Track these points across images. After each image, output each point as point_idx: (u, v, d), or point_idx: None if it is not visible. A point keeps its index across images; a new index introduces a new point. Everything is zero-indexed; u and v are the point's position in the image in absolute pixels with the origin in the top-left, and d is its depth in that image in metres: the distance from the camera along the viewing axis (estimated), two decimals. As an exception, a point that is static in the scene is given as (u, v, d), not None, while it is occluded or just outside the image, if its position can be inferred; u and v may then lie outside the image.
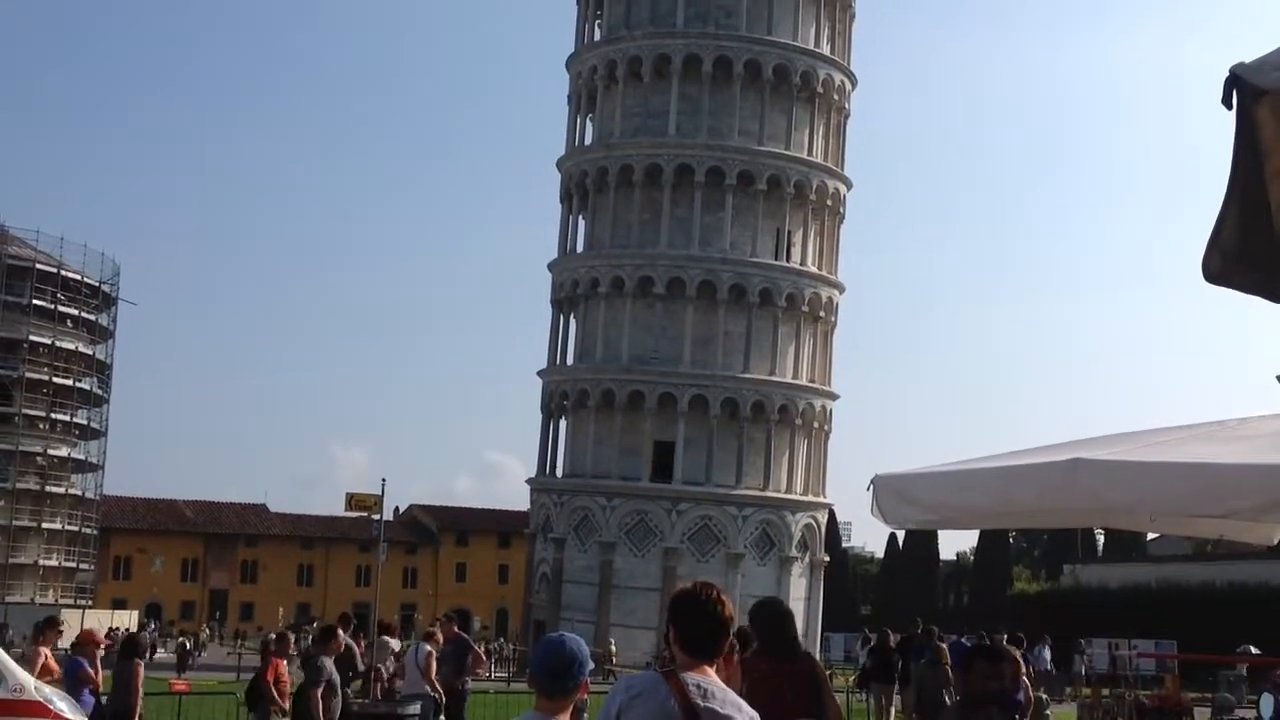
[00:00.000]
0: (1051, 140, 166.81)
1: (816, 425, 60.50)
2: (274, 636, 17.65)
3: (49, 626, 15.22)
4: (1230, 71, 2.73)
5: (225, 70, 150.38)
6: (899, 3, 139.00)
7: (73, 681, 14.04)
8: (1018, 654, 13.20)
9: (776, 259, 59.13)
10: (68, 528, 68.12)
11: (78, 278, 67.41)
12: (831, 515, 69.05)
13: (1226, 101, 2.78)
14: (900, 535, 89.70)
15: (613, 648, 47.02)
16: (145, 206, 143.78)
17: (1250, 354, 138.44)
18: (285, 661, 16.25)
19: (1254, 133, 2.68)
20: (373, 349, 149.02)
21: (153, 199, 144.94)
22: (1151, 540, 73.10)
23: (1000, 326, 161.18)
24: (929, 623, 25.80)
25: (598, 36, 62.46)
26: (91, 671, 14.31)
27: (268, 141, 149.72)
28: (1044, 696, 23.03)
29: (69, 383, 67.30)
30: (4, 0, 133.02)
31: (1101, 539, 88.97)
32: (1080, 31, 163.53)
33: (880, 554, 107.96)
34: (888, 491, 7.36)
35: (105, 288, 69.45)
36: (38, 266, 65.54)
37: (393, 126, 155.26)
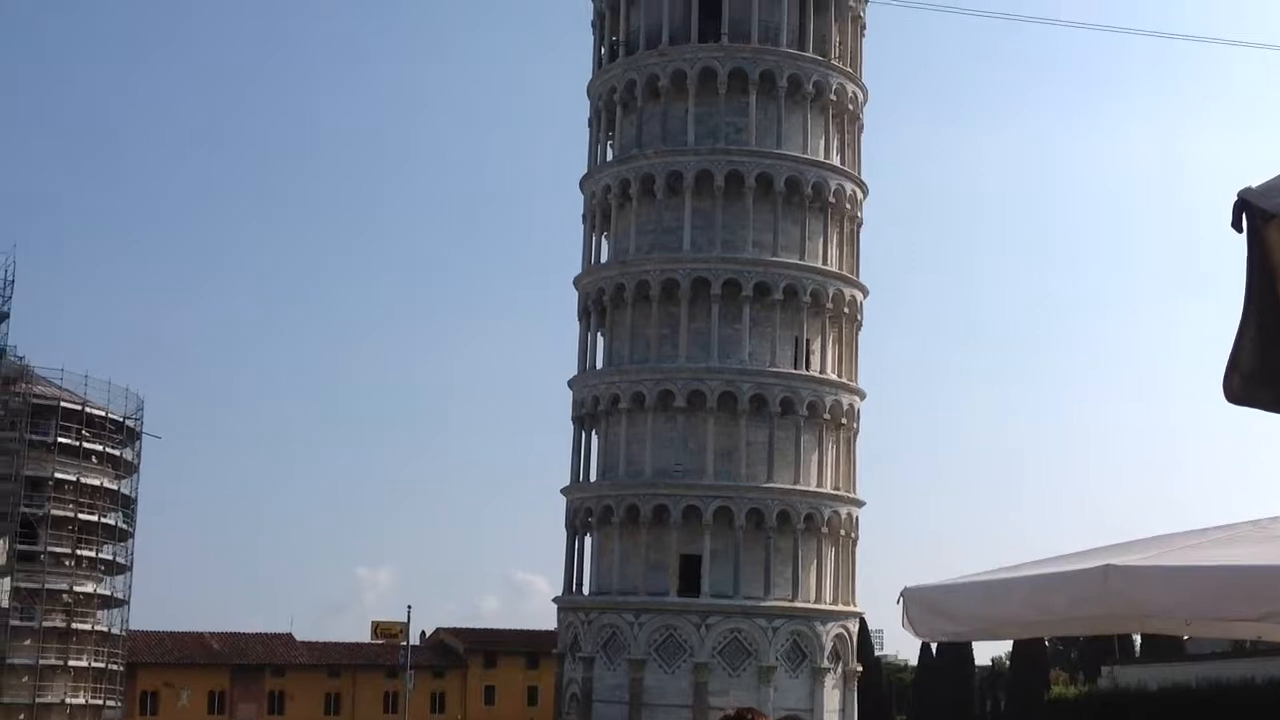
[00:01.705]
0: (1060, 238, 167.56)
1: (843, 533, 60.10)
2: None
3: None
4: (1238, 196, 2.75)
5: (240, 201, 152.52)
6: (903, 112, 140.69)
7: None
8: None
9: (796, 368, 59.23)
10: (94, 665, 67.66)
11: (102, 414, 67.79)
12: (863, 624, 68.28)
13: (1236, 225, 2.80)
14: (934, 643, 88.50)
15: None
16: (167, 341, 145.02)
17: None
18: None
19: (1265, 254, 2.69)
20: (395, 471, 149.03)
21: (174, 333, 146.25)
22: (1189, 638, 71.99)
23: (1022, 428, 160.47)
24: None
25: (610, 156, 63.30)
26: None
27: (287, 268, 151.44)
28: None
29: (94, 518, 67.36)
30: (21, 142, 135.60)
31: (1139, 639, 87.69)
32: (1083, 125, 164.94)
33: (914, 661, 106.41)
34: (918, 604, 7.31)
35: (129, 422, 69.74)
36: (62, 404, 65.97)
37: (410, 247, 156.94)
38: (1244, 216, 2.78)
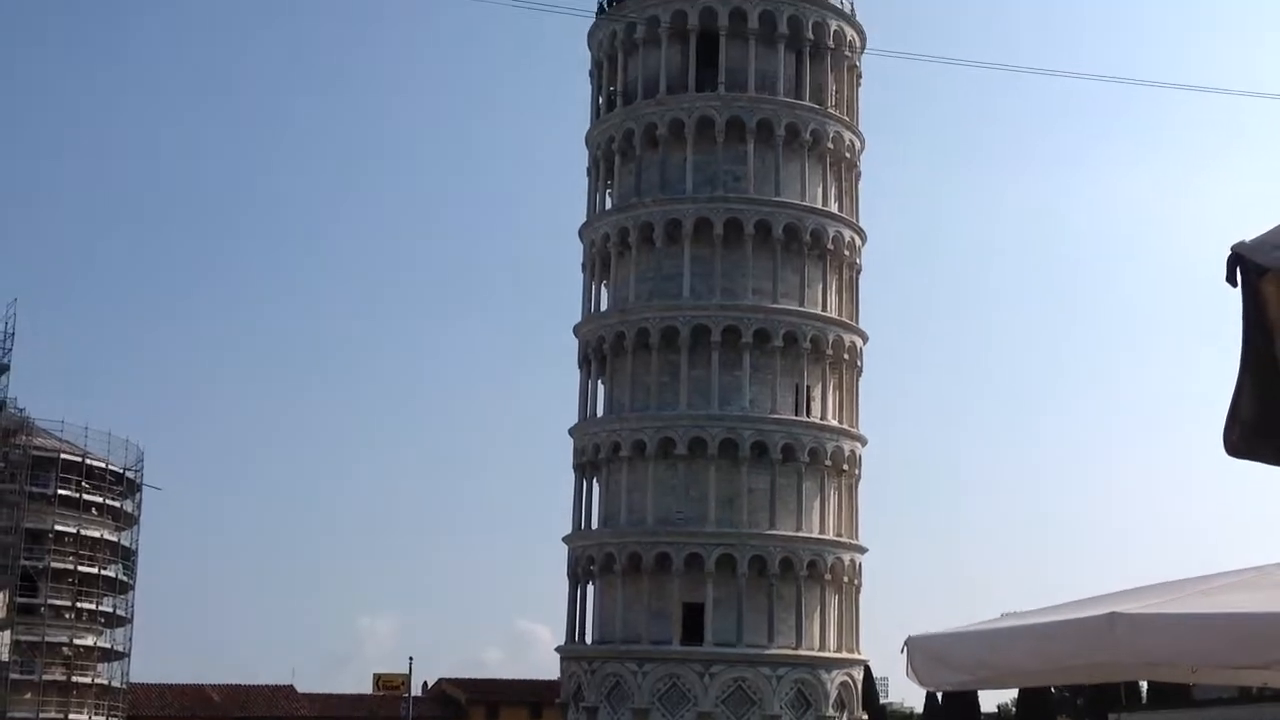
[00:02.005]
0: (1066, 286, 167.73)
1: (847, 580, 59.90)
2: None
3: None
4: (1231, 250, 2.76)
5: (241, 255, 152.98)
6: (903, 158, 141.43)
7: None
8: None
9: (797, 414, 59.22)
10: (95, 718, 67.32)
11: (102, 465, 67.82)
12: (868, 671, 67.86)
13: (1231, 279, 2.81)
14: (939, 691, 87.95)
15: None
16: (168, 390, 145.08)
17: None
18: None
19: (1261, 308, 2.70)
20: (396, 521, 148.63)
21: (175, 383, 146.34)
22: (1196, 684, 71.53)
23: (1026, 474, 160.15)
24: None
25: (609, 204, 63.56)
26: None
27: (288, 318, 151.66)
28: None
29: (94, 571, 67.25)
30: (22, 194, 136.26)
31: (1145, 685, 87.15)
32: (1085, 172, 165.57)
33: (920, 709, 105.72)
34: (922, 653, 7.29)
35: (129, 474, 69.75)
36: (63, 456, 66.01)
37: (409, 297, 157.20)
38: (1238, 270, 2.80)
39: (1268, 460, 3.04)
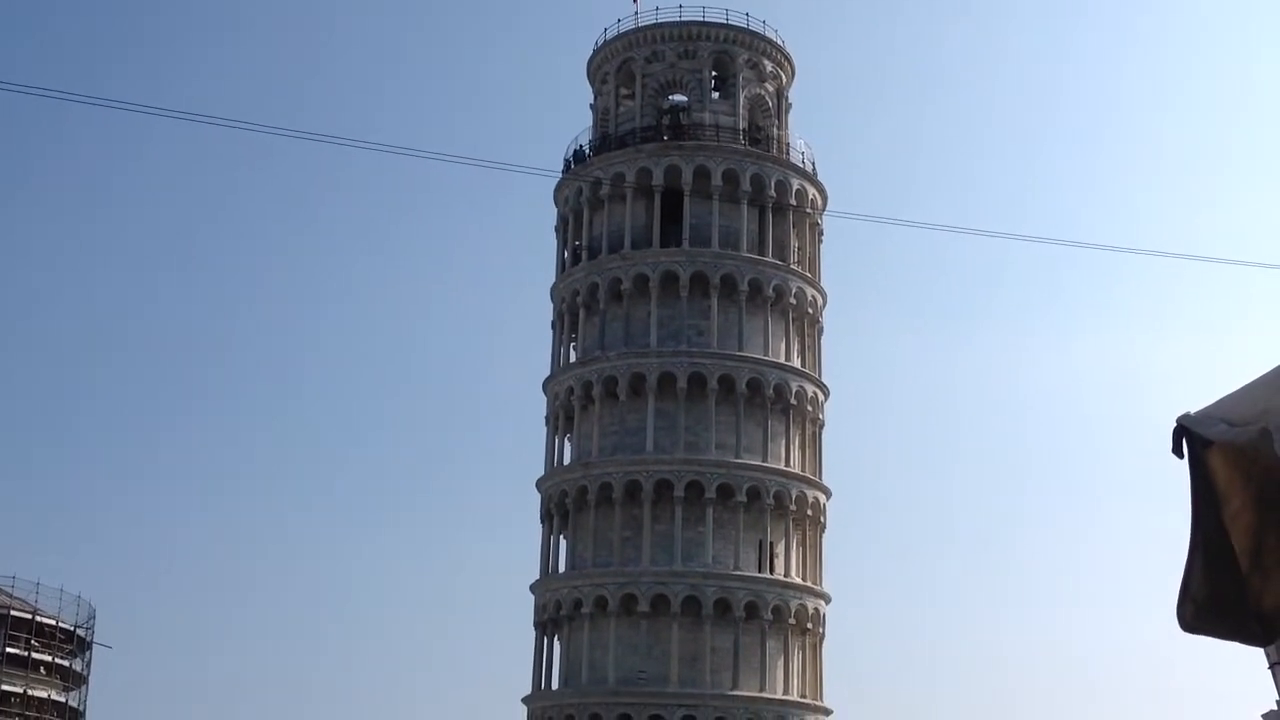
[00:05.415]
0: (1026, 443, 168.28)
1: (812, 742, 58.83)
2: None
3: None
4: (1177, 423, 2.67)
5: (202, 419, 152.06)
6: (865, 313, 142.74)
7: None
8: None
9: (760, 571, 58.72)
10: None
11: (52, 623, 66.35)
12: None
13: (1177, 451, 2.71)
14: None
15: None
16: (122, 547, 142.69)
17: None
18: None
19: (1208, 479, 2.60)
20: (354, 683, 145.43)
21: (129, 539, 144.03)
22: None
23: (995, 636, 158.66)
24: None
25: (573, 358, 63.70)
26: None
27: (247, 482, 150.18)
28: None
29: (40, 732, 65.30)
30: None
31: None
32: (1046, 331, 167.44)
33: None
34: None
35: (80, 631, 68.25)
36: (12, 613, 64.61)
37: (367, 453, 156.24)
38: (1184, 442, 2.70)
39: (1221, 636, 2.92)
